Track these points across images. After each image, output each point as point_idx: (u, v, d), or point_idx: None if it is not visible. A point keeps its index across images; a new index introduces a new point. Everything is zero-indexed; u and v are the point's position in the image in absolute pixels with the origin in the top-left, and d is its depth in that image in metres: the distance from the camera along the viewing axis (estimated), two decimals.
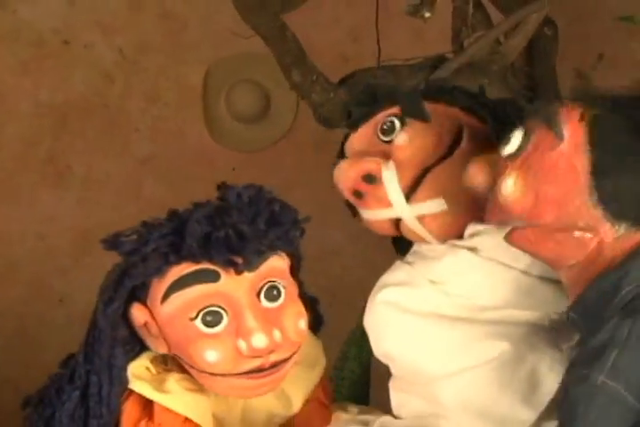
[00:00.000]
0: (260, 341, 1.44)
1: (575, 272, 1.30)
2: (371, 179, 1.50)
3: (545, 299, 1.46)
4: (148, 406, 1.51)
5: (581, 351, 1.26)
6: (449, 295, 1.49)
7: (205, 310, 1.45)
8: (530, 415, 1.43)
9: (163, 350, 1.52)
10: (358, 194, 1.54)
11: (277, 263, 1.51)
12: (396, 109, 1.54)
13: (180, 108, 3.62)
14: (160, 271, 1.46)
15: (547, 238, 1.29)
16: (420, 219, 1.50)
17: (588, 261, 1.28)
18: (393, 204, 1.49)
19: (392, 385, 1.57)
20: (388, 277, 1.54)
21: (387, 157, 1.51)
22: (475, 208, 1.42)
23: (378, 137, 1.55)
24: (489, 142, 1.46)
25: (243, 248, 1.45)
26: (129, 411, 1.51)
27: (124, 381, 1.51)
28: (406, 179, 1.49)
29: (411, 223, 1.50)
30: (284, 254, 1.53)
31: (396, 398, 1.56)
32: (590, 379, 1.19)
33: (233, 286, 1.46)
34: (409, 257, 1.57)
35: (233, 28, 2.55)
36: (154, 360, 1.55)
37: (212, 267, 1.45)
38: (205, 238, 1.44)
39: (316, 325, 1.66)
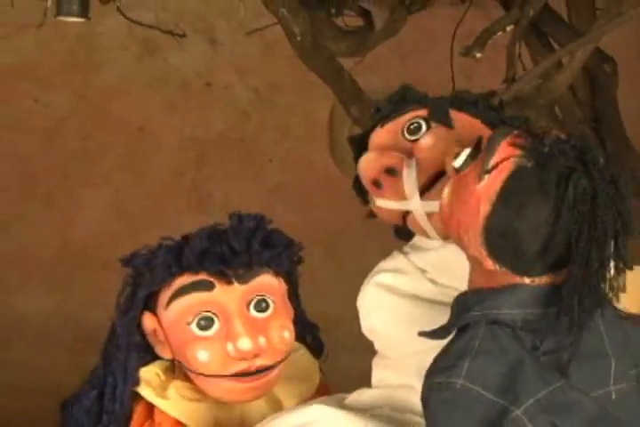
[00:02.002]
0: (245, 344, 1.53)
1: (472, 271, 1.35)
2: (392, 172, 1.53)
3: None
4: (152, 409, 1.60)
5: (437, 361, 1.30)
6: (435, 283, 1.53)
7: (200, 316, 1.55)
8: None
9: (167, 354, 1.61)
10: (378, 183, 1.55)
11: (269, 280, 1.60)
12: (423, 112, 1.56)
13: (308, 140, 3.73)
14: (165, 281, 1.57)
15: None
16: (429, 215, 1.51)
17: (478, 272, 1.33)
18: (408, 197, 1.52)
19: (374, 362, 1.60)
20: (384, 264, 1.59)
21: (409, 154, 1.53)
22: None
23: (403, 135, 1.56)
24: None
25: (233, 262, 1.55)
26: (138, 413, 1.60)
27: (136, 382, 1.60)
28: (424, 177, 1.51)
29: (419, 217, 1.52)
30: (279, 278, 1.61)
31: (376, 373, 1.59)
32: (450, 385, 1.23)
33: (225, 295, 1.56)
34: (406, 248, 1.60)
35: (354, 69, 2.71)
36: (164, 368, 1.64)
37: (208, 278, 1.55)
38: (203, 253, 1.55)
39: (317, 350, 1.72)
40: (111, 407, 1.60)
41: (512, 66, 2.35)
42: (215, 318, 1.56)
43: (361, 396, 1.57)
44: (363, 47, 2.57)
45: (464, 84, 2.67)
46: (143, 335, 1.62)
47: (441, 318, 1.45)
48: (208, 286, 1.56)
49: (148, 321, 1.61)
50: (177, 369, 1.64)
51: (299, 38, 2.30)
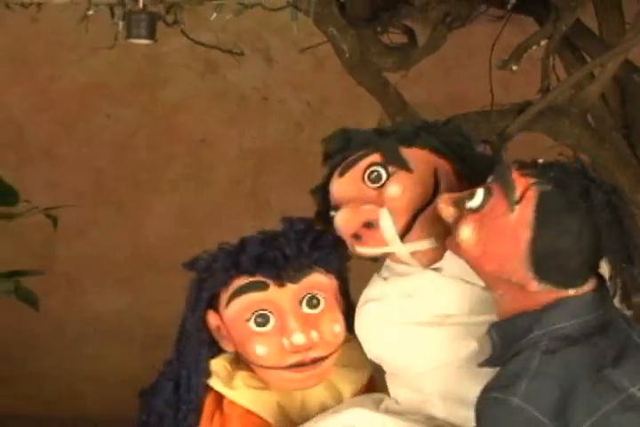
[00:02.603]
0: (299, 338, 1.60)
1: (503, 300, 1.39)
2: (370, 224, 1.54)
3: None
4: (221, 400, 1.67)
5: (496, 378, 1.33)
6: (420, 306, 1.55)
7: (256, 313, 1.62)
8: None
9: (231, 348, 1.69)
10: (357, 236, 1.58)
11: (319, 279, 1.66)
12: (376, 157, 1.55)
13: None
14: (225, 283, 1.65)
15: (484, 273, 1.40)
16: (413, 254, 1.55)
17: (514, 298, 1.37)
18: (389, 244, 1.54)
19: (387, 379, 1.66)
20: (368, 293, 1.61)
21: (379, 202, 1.53)
22: None
23: (365, 183, 1.55)
24: (457, 179, 1.53)
25: (285, 265, 1.62)
26: (207, 404, 1.67)
27: (207, 373, 1.67)
28: (400, 223, 1.53)
29: (404, 257, 1.56)
30: (330, 275, 1.68)
31: (391, 389, 1.65)
32: (507, 402, 1.27)
33: (279, 294, 1.63)
34: (384, 272, 1.62)
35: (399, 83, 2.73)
36: (230, 360, 1.71)
37: (262, 279, 1.63)
38: (258, 258, 1.63)
39: None
40: (188, 398, 1.67)
41: (547, 77, 2.42)
42: (270, 316, 1.62)
43: (395, 403, 1.63)
44: (407, 62, 2.62)
45: (502, 95, 2.77)
46: (209, 331, 1.70)
47: (437, 336, 1.53)
48: (263, 287, 1.63)
49: (212, 319, 1.68)
50: (241, 360, 1.70)
51: (347, 55, 2.35)
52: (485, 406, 1.31)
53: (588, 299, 1.34)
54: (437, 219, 1.48)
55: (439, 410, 1.56)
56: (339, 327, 1.66)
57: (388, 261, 1.62)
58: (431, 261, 1.56)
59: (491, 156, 1.71)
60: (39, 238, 3.80)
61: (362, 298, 1.62)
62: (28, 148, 3.95)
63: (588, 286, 1.35)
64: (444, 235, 1.48)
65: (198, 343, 1.69)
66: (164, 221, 3.93)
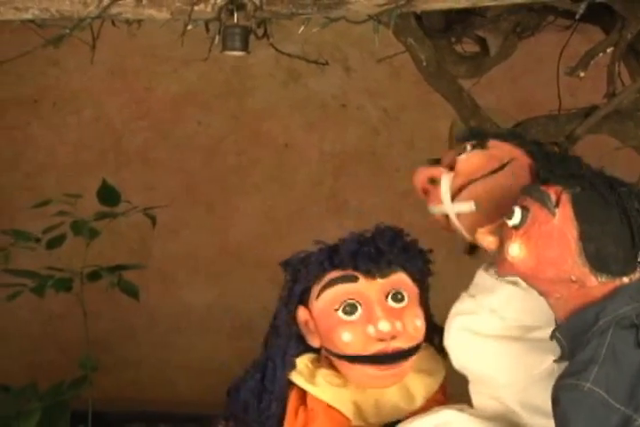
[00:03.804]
0: (384, 326, 1.65)
1: (561, 303, 1.43)
2: (433, 181, 1.71)
3: None
4: (304, 396, 1.73)
5: (569, 366, 1.38)
6: (504, 319, 1.64)
7: (345, 303, 1.68)
8: None
9: (316, 343, 1.73)
10: (426, 191, 1.73)
11: (404, 278, 1.73)
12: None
13: (430, 152, 3.74)
14: (318, 277, 1.71)
15: (541, 280, 1.44)
16: (457, 216, 1.65)
17: (572, 296, 1.41)
18: (443, 202, 1.67)
19: (470, 389, 1.72)
20: (458, 308, 1.71)
21: (450, 165, 1.72)
22: (497, 214, 1.56)
23: (457, 154, 1.75)
24: (530, 174, 1.63)
25: (378, 260, 1.69)
26: (292, 400, 1.72)
27: (293, 366, 1.73)
28: (456, 185, 1.67)
29: (452, 218, 1.66)
30: (414, 282, 1.73)
31: (474, 398, 1.71)
32: (579, 387, 1.32)
33: (367, 287, 1.69)
34: (471, 290, 1.72)
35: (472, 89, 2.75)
36: (311, 359, 1.76)
37: (354, 273, 1.69)
38: (354, 253, 1.70)
39: (443, 350, 1.78)
40: (271, 388, 1.73)
41: (612, 83, 2.41)
42: (358, 305, 1.68)
43: (476, 411, 1.68)
44: (479, 70, 2.65)
45: (569, 101, 2.78)
46: (298, 327, 1.75)
47: (518, 350, 1.60)
48: (353, 279, 1.69)
49: (301, 314, 1.74)
50: (322, 359, 1.76)
51: (424, 64, 2.38)
52: (559, 391, 1.35)
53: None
54: (484, 190, 1.61)
55: (522, 419, 1.62)
56: (420, 322, 1.71)
57: (476, 277, 1.71)
58: (472, 226, 1.62)
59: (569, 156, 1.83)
60: (136, 237, 3.89)
61: (451, 312, 1.70)
62: (127, 153, 4.04)
63: (639, 273, 1.39)
64: (486, 206, 1.61)
65: (286, 338, 1.74)
66: (250, 220, 3.98)
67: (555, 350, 1.51)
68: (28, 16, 1.91)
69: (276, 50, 2.81)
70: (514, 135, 1.79)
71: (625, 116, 2.45)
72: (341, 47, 3.85)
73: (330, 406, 1.69)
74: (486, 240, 1.50)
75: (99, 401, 2.96)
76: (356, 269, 1.69)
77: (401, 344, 1.66)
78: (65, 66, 3.94)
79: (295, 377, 1.72)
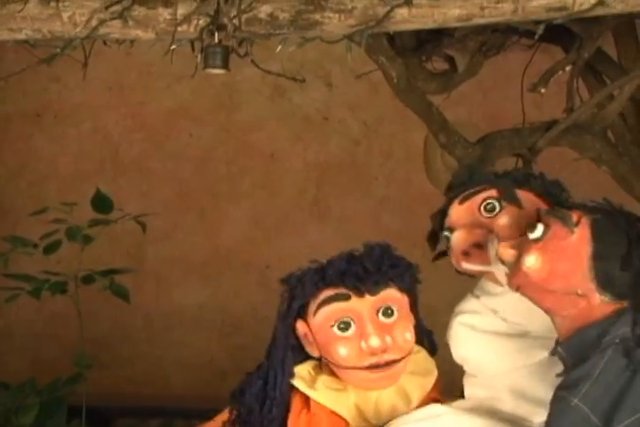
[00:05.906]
0: (374, 341, 1.63)
1: (567, 321, 1.43)
2: (479, 246, 1.63)
3: None
4: (307, 401, 1.71)
5: (565, 379, 1.39)
6: (506, 321, 1.65)
7: (340, 320, 1.65)
8: None
9: (315, 353, 1.72)
10: (467, 253, 1.65)
11: (394, 293, 1.69)
12: (493, 192, 1.66)
13: (407, 162, 3.80)
14: (313, 294, 1.69)
15: (549, 294, 1.45)
16: (506, 274, 1.60)
17: (578, 315, 1.42)
18: (492, 263, 1.60)
19: (465, 381, 1.73)
20: (462, 306, 1.71)
21: (489, 228, 1.63)
22: None
23: (480, 213, 1.65)
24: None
25: (366, 279, 1.66)
26: (295, 403, 1.71)
27: (292, 375, 1.72)
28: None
29: (499, 276, 1.61)
30: (403, 293, 1.70)
31: (467, 389, 1.72)
32: (567, 400, 1.33)
33: (359, 304, 1.66)
34: (476, 291, 1.71)
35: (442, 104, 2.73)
36: (313, 366, 1.75)
37: (345, 291, 1.66)
38: (343, 271, 1.67)
39: (433, 351, 1.79)
40: (273, 394, 1.71)
41: (571, 98, 2.41)
42: (352, 322, 1.65)
43: (463, 402, 1.70)
44: (448, 86, 2.66)
45: (535, 115, 2.77)
46: (297, 338, 1.74)
47: (514, 345, 1.62)
48: (346, 297, 1.66)
49: (300, 327, 1.72)
50: (323, 366, 1.74)
51: (395, 80, 2.37)
52: (552, 401, 1.38)
53: (629, 311, 1.39)
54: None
55: (506, 405, 1.63)
56: (409, 335, 1.69)
57: (482, 280, 1.70)
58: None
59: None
60: (132, 241, 3.88)
61: (455, 310, 1.71)
62: (123, 163, 4.04)
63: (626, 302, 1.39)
64: None
65: (286, 348, 1.73)
66: (239, 225, 3.98)
67: (550, 346, 1.52)
68: (22, 36, 1.91)
69: (258, 67, 2.81)
70: (522, 178, 1.70)
71: (583, 129, 2.45)
72: (323, 64, 3.86)
73: (332, 412, 1.69)
74: (506, 252, 1.50)
75: (95, 396, 2.95)
76: (346, 287, 1.68)
77: (392, 356, 1.66)
78: (65, 82, 3.95)
79: (297, 383, 1.72)
